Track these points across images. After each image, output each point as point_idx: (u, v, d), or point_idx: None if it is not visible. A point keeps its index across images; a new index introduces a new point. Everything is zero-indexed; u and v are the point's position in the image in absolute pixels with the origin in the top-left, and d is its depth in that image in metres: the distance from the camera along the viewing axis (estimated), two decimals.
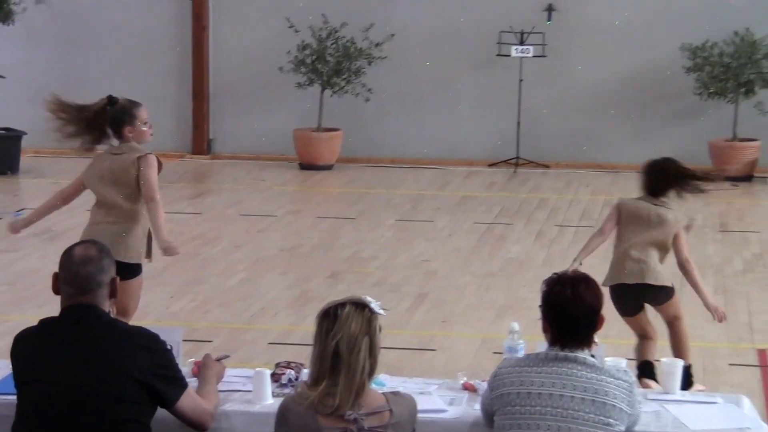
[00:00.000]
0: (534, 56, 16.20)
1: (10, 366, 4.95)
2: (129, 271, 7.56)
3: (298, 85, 16.41)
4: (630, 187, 15.23)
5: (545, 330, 4.94)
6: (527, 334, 5.84)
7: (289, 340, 8.59)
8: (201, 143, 17.33)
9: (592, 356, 4.88)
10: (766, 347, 8.96)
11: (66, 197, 8.32)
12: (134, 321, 5.00)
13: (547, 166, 16.57)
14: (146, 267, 10.91)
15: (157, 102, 17.37)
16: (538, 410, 4.76)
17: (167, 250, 7.72)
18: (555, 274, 4.97)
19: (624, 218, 8.16)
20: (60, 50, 17.48)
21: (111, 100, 8.18)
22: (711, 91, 15.72)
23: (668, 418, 5.17)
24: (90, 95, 18.10)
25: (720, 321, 7.95)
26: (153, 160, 8.07)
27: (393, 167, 16.68)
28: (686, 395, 5.45)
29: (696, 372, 8.19)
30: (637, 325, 8.05)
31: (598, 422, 4.73)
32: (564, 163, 16.64)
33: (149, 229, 7.83)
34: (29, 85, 17.33)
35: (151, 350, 4.85)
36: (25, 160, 16.18)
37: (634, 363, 7.35)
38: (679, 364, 5.49)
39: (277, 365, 5.59)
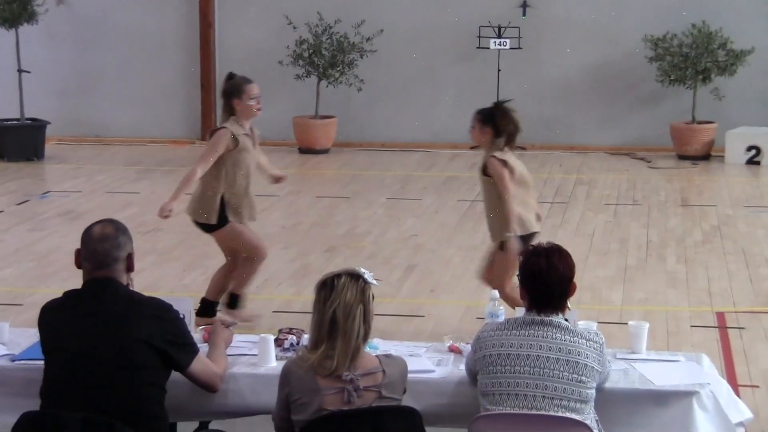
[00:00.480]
0: (510, 48, 16.15)
1: (38, 334, 4.94)
2: (206, 228, 8.23)
3: (296, 77, 16.37)
4: (597, 166, 15.30)
5: (522, 297, 4.95)
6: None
7: (290, 308, 8.58)
8: (209, 130, 17.25)
9: (566, 320, 4.89)
10: (723, 310, 8.96)
11: None
12: (148, 293, 4.96)
13: (523, 148, 16.47)
14: (159, 244, 10.96)
15: (168, 94, 17.38)
16: (517, 369, 4.77)
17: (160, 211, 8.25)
18: (531, 245, 4.97)
19: (516, 174, 8.00)
20: (79, 47, 17.40)
21: (229, 76, 8.18)
22: (672, 78, 15.69)
23: (635, 375, 5.18)
24: (106, 88, 18.24)
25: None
26: (219, 135, 8.32)
27: (384, 151, 16.64)
28: (651, 354, 5.44)
29: (660, 333, 8.22)
30: None
31: (571, 380, 4.73)
32: (539, 145, 16.60)
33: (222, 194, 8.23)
34: (51, 80, 17.29)
35: (163, 318, 4.85)
36: (49, 148, 16.13)
37: (605, 326, 7.34)
38: (645, 326, 5.49)
39: (280, 331, 5.59)
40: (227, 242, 8.26)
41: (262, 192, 13.43)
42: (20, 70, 15.75)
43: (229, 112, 8.29)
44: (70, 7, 17.21)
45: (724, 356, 7.88)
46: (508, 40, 16.10)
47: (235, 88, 8.26)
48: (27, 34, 15.84)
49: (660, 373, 5.18)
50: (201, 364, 4.97)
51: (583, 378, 4.75)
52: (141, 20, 17.21)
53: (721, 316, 8.83)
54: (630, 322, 5.56)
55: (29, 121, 15.96)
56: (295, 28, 16.28)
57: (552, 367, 4.74)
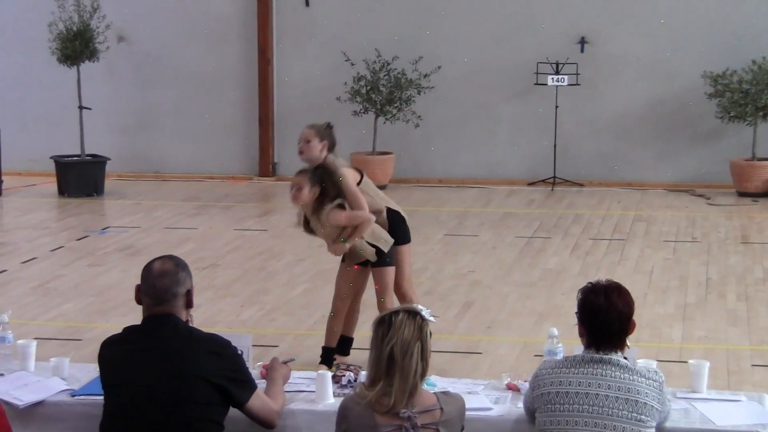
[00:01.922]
0: (568, 85, 16.14)
1: (98, 369, 4.98)
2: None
3: (354, 113, 16.45)
4: (656, 203, 15.22)
5: (581, 334, 4.92)
6: (565, 339, 5.80)
7: None
8: (267, 166, 17.38)
9: (625, 358, 4.85)
10: None
11: None
12: (206, 330, 4.99)
13: (581, 185, 16.50)
14: (217, 279, 11.02)
15: (227, 130, 17.53)
16: (576, 408, 4.74)
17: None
18: (589, 283, 4.95)
19: (368, 185, 8.09)
20: (138, 85, 17.61)
21: None
22: (731, 115, 15.60)
23: (696, 414, 5.12)
24: (165, 124, 18.46)
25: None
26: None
27: (440, 187, 16.66)
28: (712, 393, 5.39)
29: (721, 372, 8.13)
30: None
31: (631, 419, 4.69)
32: (597, 181, 16.56)
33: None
34: (111, 116, 17.50)
35: (222, 355, 4.86)
36: (108, 183, 16.31)
37: (664, 364, 7.28)
38: (706, 365, 5.43)
39: (338, 368, 5.59)
40: None
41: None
42: (81, 107, 15.96)
43: None
44: (130, 45, 17.43)
45: None
46: (566, 77, 16.09)
47: None
48: (88, 71, 16.06)
49: (721, 412, 5.12)
50: (259, 400, 4.98)
51: (643, 417, 4.71)
52: (200, 57, 17.39)
53: None
54: (690, 361, 5.50)
55: (89, 158, 16.15)
56: (352, 64, 16.38)
57: (611, 405, 4.71)
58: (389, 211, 8.24)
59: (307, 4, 17.20)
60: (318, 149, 8.07)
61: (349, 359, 8.06)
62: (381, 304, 8.02)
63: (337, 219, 7.84)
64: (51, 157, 16.29)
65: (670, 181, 16.41)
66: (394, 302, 8.07)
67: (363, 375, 5.32)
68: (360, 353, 7.96)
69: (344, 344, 8.27)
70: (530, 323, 9.58)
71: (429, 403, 4.64)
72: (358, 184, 8.05)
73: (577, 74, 16.12)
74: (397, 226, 8.23)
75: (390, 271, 8.10)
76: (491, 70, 16.77)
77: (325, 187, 7.88)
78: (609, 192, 16.09)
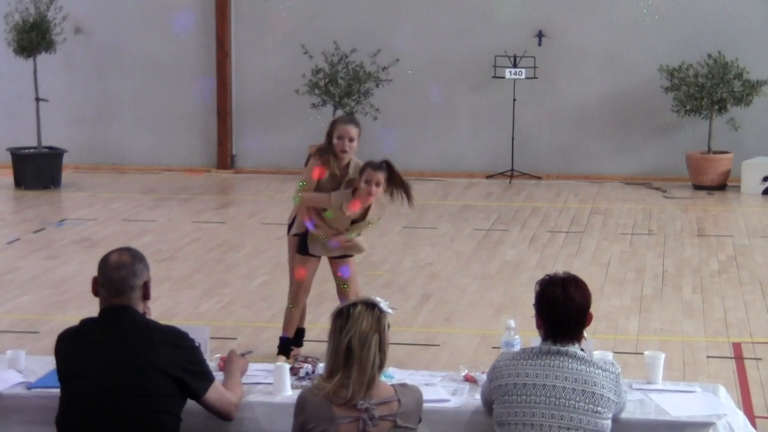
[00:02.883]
0: (526, 78, 16.18)
1: (54, 362, 4.95)
2: None
3: (312, 106, 16.42)
4: (613, 196, 15.29)
5: (539, 326, 4.93)
6: (523, 331, 5.82)
7: (306, 336, 8.57)
8: (225, 159, 17.32)
9: (582, 350, 4.87)
10: (739, 340, 8.93)
11: None
12: (164, 322, 4.96)
13: (539, 178, 16.55)
14: (175, 271, 10.99)
15: (185, 121, 17.45)
16: (533, 399, 4.75)
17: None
18: (547, 275, 4.96)
19: None
20: (96, 76, 17.49)
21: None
22: (687, 108, 15.69)
23: (651, 405, 5.16)
24: (123, 116, 18.33)
25: None
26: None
27: None
28: (667, 384, 5.42)
29: (676, 363, 8.19)
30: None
31: (587, 410, 4.72)
32: (554, 174, 16.62)
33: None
34: (69, 108, 17.37)
35: (180, 347, 4.85)
36: (66, 175, 16.20)
37: (620, 356, 7.33)
38: (661, 356, 5.47)
39: (296, 359, 5.58)
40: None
41: (278, 220, 13.49)
42: (38, 99, 15.83)
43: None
44: (87, 36, 17.30)
45: (740, 387, 7.84)
46: (523, 70, 16.13)
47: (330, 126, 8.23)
48: (45, 62, 15.94)
49: (676, 403, 5.16)
50: (217, 392, 4.97)
51: (599, 408, 4.73)
52: (158, 49, 17.29)
53: (737, 346, 8.79)
54: (646, 352, 5.54)
55: (46, 149, 16.03)
56: (311, 57, 16.35)
57: (568, 397, 4.73)
58: None
59: None
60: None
61: (306, 351, 8.05)
62: (346, 292, 8.03)
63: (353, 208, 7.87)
64: (7, 149, 16.16)
65: (627, 174, 16.49)
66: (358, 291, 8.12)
67: (321, 367, 5.32)
68: (318, 345, 7.96)
69: (299, 335, 8.30)
70: (488, 315, 9.61)
71: (387, 395, 4.64)
72: None
73: (534, 67, 16.17)
74: None
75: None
76: (449, 63, 16.78)
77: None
78: (566, 185, 16.16)
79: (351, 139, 8.02)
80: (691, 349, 8.68)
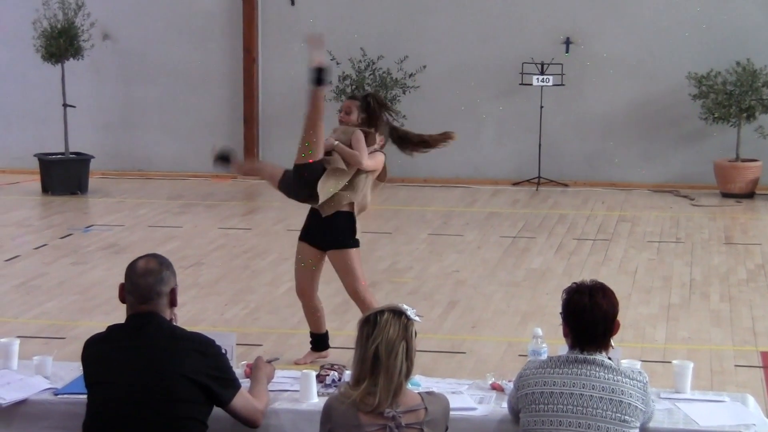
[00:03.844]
0: (553, 85, 16.16)
1: (81, 368, 4.96)
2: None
3: (339, 112, 16.38)
4: (641, 204, 15.24)
5: (566, 335, 4.92)
6: (549, 339, 5.81)
7: (332, 344, 8.57)
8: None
9: (609, 359, 4.85)
10: None
11: None
12: (190, 329, 4.97)
13: (566, 185, 16.52)
14: (201, 278, 11.02)
15: (211, 128, 17.49)
16: (560, 408, 4.74)
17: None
18: (574, 283, 4.95)
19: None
20: (123, 82, 17.57)
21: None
22: (715, 116, 15.63)
23: (679, 415, 5.13)
24: (150, 122, 18.40)
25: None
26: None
27: (425, 186, 16.66)
28: (696, 394, 5.39)
29: (704, 372, 8.15)
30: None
31: (614, 419, 4.70)
32: (581, 181, 16.59)
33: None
34: (96, 114, 17.46)
35: (206, 354, 4.85)
36: (93, 181, 16.27)
37: (648, 365, 7.29)
38: (689, 365, 5.44)
39: (322, 367, 5.58)
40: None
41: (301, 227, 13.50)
42: (65, 105, 15.91)
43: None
44: (115, 43, 17.39)
45: None
46: (551, 77, 16.11)
47: None
48: (72, 69, 16.02)
49: (705, 413, 5.13)
50: (243, 399, 4.97)
51: (627, 417, 4.71)
52: (185, 55, 17.36)
53: (766, 355, 8.74)
54: (674, 361, 5.51)
55: (73, 155, 16.10)
56: (338, 63, 16.36)
57: (595, 406, 4.71)
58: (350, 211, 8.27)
59: (293, 2, 17.19)
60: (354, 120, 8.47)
61: (332, 358, 8.05)
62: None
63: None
64: (35, 155, 16.25)
65: (654, 182, 16.44)
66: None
67: (347, 374, 5.31)
68: (345, 352, 7.95)
69: (319, 341, 8.35)
70: (515, 323, 9.58)
71: (413, 403, 4.63)
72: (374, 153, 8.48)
73: (562, 74, 16.14)
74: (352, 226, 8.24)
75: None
76: (476, 70, 16.77)
77: (371, 116, 8.07)
78: (593, 192, 16.12)
79: (347, 112, 8.50)
80: (719, 358, 8.63)
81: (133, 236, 13.12)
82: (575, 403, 4.72)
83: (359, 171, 8.20)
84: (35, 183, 16.18)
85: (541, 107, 16.27)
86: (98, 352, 4.88)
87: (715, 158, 15.91)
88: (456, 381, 5.62)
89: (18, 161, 17.28)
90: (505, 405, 5.14)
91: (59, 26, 15.65)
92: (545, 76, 16.14)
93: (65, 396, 5.27)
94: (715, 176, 15.83)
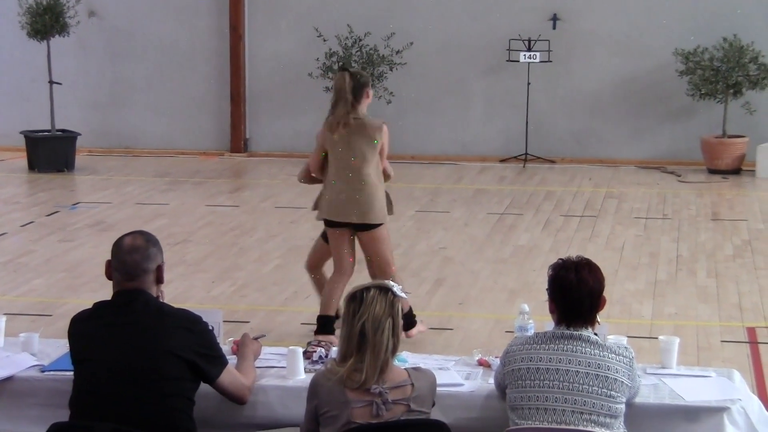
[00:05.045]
0: (540, 61, 16.15)
1: (68, 345, 4.96)
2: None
3: (326, 89, 16.36)
4: (627, 180, 15.26)
5: (552, 311, 4.93)
6: (536, 315, 5.82)
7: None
8: (238, 142, 17.32)
9: (595, 334, 4.87)
10: (754, 325, 8.91)
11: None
12: (177, 306, 4.96)
13: (553, 162, 16.53)
14: (188, 255, 11.01)
15: (198, 105, 17.45)
16: (546, 384, 4.75)
17: None
18: (560, 259, 4.96)
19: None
20: (109, 59, 17.50)
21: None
22: (702, 92, 15.64)
23: (665, 390, 5.15)
24: (136, 99, 18.32)
25: None
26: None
27: (412, 163, 16.64)
28: (682, 369, 5.41)
29: (690, 348, 8.18)
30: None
31: (601, 394, 4.71)
32: (568, 158, 16.60)
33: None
34: (82, 91, 17.39)
35: (193, 331, 4.86)
36: (79, 159, 16.22)
37: (635, 340, 7.30)
38: (675, 341, 5.46)
39: (309, 344, 5.59)
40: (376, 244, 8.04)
41: (291, 204, 13.52)
42: (51, 82, 15.85)
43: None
44: (101, 20, 17.31)
45: (755, 372, 7.83)
46: (538, 53, 16.09)
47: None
48: (58, 46, 15.95)
49: (691, 388, 5.15)
50: (230, 376, 4.97)
51: (613, 393, 4.72)
52: (171, 32, 17.30)
53: (752, 331, 8.77)
54: (660, 337, 5.53)
55: (60, 133, 16.05)
56: (324, 40, 16.32)
57: (581, 381, 4.72)
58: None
59: None
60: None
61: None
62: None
63: None
64: (21, 132, 16.19)
65: (641, 158, 16.45)
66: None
67: (334, 351, 5.32)
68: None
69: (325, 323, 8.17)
70: (502, 300, 9.60)
71: (400, 379, 4.64)
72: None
73: (549, 51, 16.12)
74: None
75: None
76: (463, 46, 16.74)
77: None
78: (580, 169, 16.13)
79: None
80: (705, 334, 8.66)
81: (120, 214, 13.09)
82: (561, 378, 4.73)
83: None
84: (22, 160, 16.12)
85: (528, 84, 16.25)
86: (85, 329, 4.88)
87: (702, 134, 15.93)
88: (443, 357, 5.63)
89: (4, 138, 17.22)
90: (491, 381, 5.15)
91: (45, 3, 15.57)
92: (532, 53, 16.12)
93: (52, 373, 5.27)
94: (702, 152, 15.85)
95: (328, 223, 8.00)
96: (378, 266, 7.98)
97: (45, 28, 15.58)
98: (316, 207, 8.16)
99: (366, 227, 7.90)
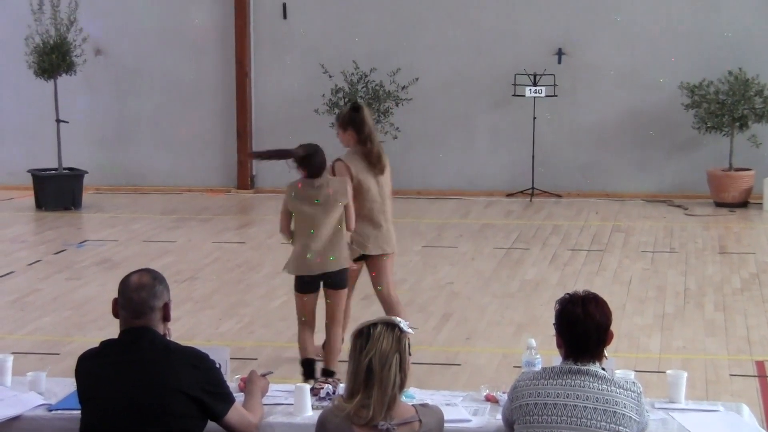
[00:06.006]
0: (546, 96, 16.19)
1: (75, 384, 4.96)
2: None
3: (331, 125, 16.42)
4: (634, 213, 15.26)
5: (559, 345, 4.92)
6: (543, 350, 5.82)
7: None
8: (245, 179, 17.36)
9: (603, 369, 4.86)
10: (763, 359, 8.88)
11: None
12: (185, 343, 4.96)
13: (559, 196, 16.54)
14: (196, 292, 11.01)
15: (205, 142, 17.51)
16: (554, 419, 4.73)
17: None
18: (567, 294, 4.95)
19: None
20: (116, 96, 17.58)
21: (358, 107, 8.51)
22: (708, 125, 15.67)
23: (674, 425, 5.13)
24: (143, 136, 18.40)
25: None
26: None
27: (419, 199, 16.67)
28: (690, 404, 5.40)
29: (699, 382, 8.15)
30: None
31: (609, 430, 4.69)
32: (575, 192, 16.61)
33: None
34: (89, 129, 17.46)
35: (199, 368, 4.85)
36: (86, 197, 16.26)
37: (643, 375, 7.29)
38: (683, 375, 5.44)
39: (316, 380, 5.58)
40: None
41: None
42: (58, 120, 15.91)
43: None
44: (107, 57, 17.40)
45: (764, 406, 7.80)
46: (543, 88, 16.14)
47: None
48: (65, 84, 16.02)
49: (699, 423, 5.13)
50: (237, 413, 4.97)
51: (621, 428, 4.71)
52: (177, 69, 17.38)
53: (760, 364, 8.75)
54: (668, 371, 5.51)
55: (67, 171, 16.10)
56: (330, 76, 16.39)
57: (589, 416, 4.71)
58: None
59: (285, 15, 17.20)
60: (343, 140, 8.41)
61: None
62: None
63: None
64: (28, 171, 16.25)
65: (648, 192, 16.46)
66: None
67: (341, 387, 5.32)
68: (339, 365, 7.94)
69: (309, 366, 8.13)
70: (509, 334, 9.59)
71: (407, 415, 4.63)
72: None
73: (554, 85, 16.17)
74: None
75: None
76: (468, 81, 16.80)
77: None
78: (587, 203, 16.14)
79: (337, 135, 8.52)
80: (713, 368, 8.64)
81: (127, 251, 13.11)
82: (569, 414, 4.72)
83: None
84: (29, 199, 16.16)
85: (534, 118, 16.29)
86: (92, 368, 4.88)
87: (709, 167, 15.94)
88: (450, 393, 5.62)
89: (11, 177, 17.27)
90: (499, 416, 5.14)
91: (52, 42, 15.65)
92: (538, 87, 16.17)
93: (59, 412, 5.27)
94: (709, 185, 15.86)
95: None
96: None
97: (52, 67, 15.66)
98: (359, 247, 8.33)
99: None
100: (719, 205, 15.63)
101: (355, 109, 8.46)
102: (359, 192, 8.23)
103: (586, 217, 15.11)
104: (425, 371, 8.33)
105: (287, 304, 10.61)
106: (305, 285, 7.91)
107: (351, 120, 8.40)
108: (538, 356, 5.59)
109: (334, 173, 8.23)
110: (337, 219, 7.87)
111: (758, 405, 7.72)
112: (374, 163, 8.34)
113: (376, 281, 8.49)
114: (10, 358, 5.68)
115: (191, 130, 17.50)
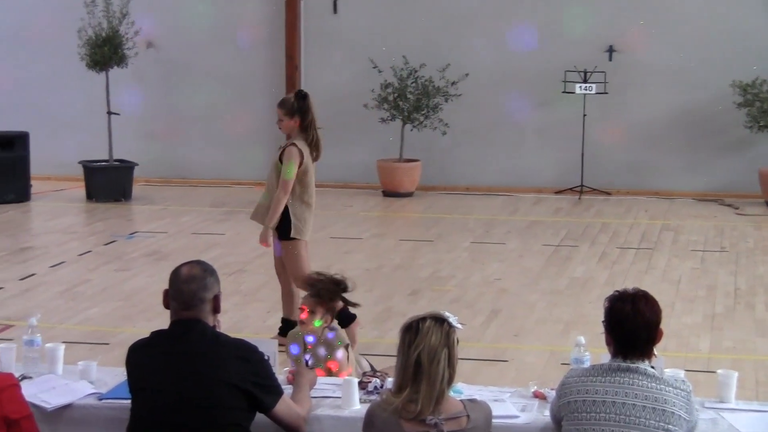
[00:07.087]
0: (596, 93, 16.12)
1: (125, 373, 5.00)
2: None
3: (381, 120, 16.46)
4: (684, 212, 15.16)
5: (608, 343, 4.90)
6: (592, 347, 5.79)
7: (374, 351, 8.58)
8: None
9: (652, 367, 4.83)
10: None
11: None
12: (233, 335, 4.98)
13: (608, 193, 16.46)
14: (244, 285, 11.06)
15: (254, 135, 17.57)
16: (603, 417, 4.72)
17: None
18: (616, 291, 4.93)
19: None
20: (166, 90, 17.69)
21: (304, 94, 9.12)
22: (761, 124, 15.54)
23: (724, 424, 5.10)
24: (193, 130, 18.48)
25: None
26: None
27: (467, 194, 16.65)
28: (740, 404, 5.36)
29: (749, 382, 8.09)
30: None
31: (658, 428, 4.67)
32: (624, 190, 16.53)
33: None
34: (140, 122, 17.58)
35: (249, 360, 4.87)
36: (136, 189, 16.38)
37: (692, 374, 7.24)
38: (734, 375, 5.41)
39: (364, 374, 5.59)
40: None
41: (345, 234, 13.56)
42: (109, 113, 16.03)
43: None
44: (158, 51, 17.51)
45: None
46: (593, 85, 16.07)
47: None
48: (117, 76, 16.13)
49: (749, 423, 5.10)
50: (285, 406, 4.99)
51: (670, 427, 4.69)
52: (228, 63, 17.45)
53: None
54: (719, 371, 5.48)
55: (117, 163, 16.22)
56: (380, 71, 16.40)
57: (638, 414, 4.69)
58: None
59: (335, 10, 17.24)
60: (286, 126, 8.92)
61: (375, 365, 8.04)
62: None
63: None
64: (79, 162, 16.38)
65: (698, 191, 16.35)
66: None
67: (389, 381, 5.32)
68: (387, 359, 7.96)
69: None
70: (557, 331, 9.56)
71: (456, 410, 4.63)
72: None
73: (605, 82, 16.09)
74: None
75: None
76: (519, 77, 16.75)
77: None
78: (636, 201, 16.06)
79: (279, 120, 9.04)
80: (764, 368, 8.57)
81: (176, 243, 13.19)
82: (618, 411, 4.70)
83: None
84: (80, 190, 16.30)
85: (584, 115, 16.22)
86: (142, 358, 4.91)
87: (761, 167, 15.81)
88: (498, 389, 5.61)
89: (63, 168, 17.42)
90: (547, 413, 5.13)
91: (104, 35, 15.77)
92: (588, 84, 16.09)
93: (109, 401, 5.31)
94: (761, 185, 15.73)
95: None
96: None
97: (104, 60, 15.77)
98: (297, 231, 8.82)
99: None
100: None
101: (302, 96, 8.76)
102: (305, 178, 8.47)
103: (636, 215, 15.04)
104: (472, 367, 8.33)
105: None
106: None
107: (299, 108, 8.69)
108: (587, 353, 5.57)
109: (283, 155, 8.54)
110: None
111: None
112: (314, 149, 8.59)
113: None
114: (62, 347, 5.73)
115: (241, 125, 17.58)
